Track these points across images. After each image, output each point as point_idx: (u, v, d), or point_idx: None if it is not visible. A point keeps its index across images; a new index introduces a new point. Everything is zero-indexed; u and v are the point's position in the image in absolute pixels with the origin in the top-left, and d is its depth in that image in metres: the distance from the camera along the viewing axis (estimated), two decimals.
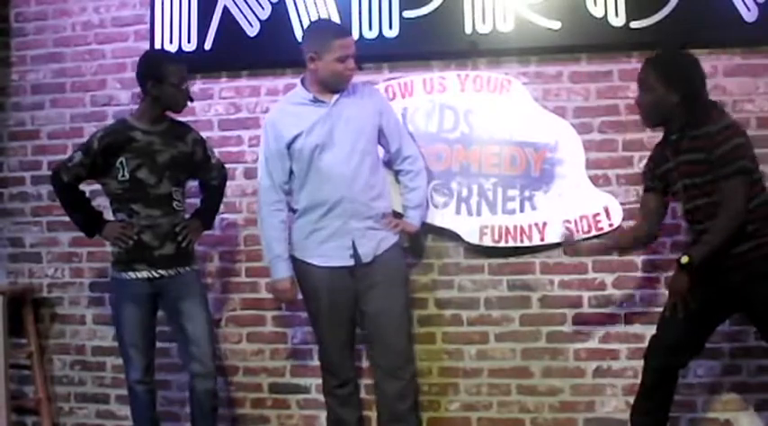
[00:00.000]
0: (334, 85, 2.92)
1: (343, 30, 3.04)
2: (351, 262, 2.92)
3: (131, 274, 2.98)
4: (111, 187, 3.01)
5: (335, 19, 3.42)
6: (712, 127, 2.56)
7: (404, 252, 3.15)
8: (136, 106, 3.63)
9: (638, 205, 3.21)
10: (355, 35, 3.40)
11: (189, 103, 3.07)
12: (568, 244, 3.03)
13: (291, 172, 2.97)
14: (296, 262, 2.99)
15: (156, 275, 2.99)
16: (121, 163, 2.95)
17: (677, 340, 2.68)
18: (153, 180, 2.98)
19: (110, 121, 3.69)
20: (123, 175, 2.96)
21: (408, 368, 3.00)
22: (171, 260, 3.01)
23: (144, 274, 2.98)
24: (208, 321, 3.07)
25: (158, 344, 3.56)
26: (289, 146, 2.92)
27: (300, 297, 3.07)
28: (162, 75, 2.94)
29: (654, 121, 2.77)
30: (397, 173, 3.20)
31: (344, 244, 2.91)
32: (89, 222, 3.08)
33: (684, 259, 2.55)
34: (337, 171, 2.88)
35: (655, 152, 2.88)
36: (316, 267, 2.94)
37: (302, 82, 3.00)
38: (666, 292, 3.14)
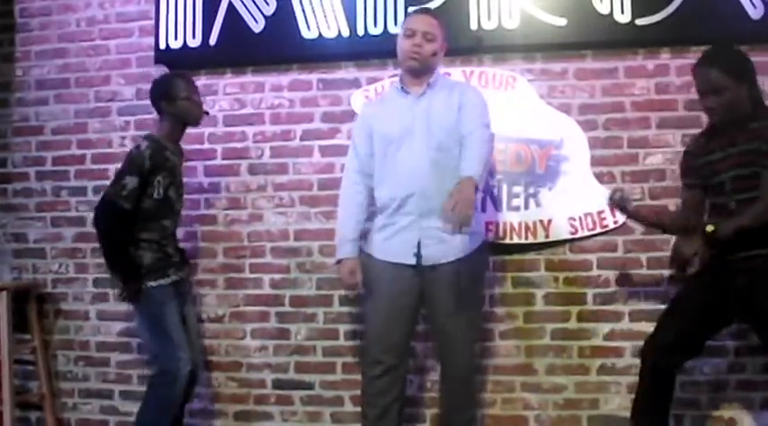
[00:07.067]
0: (403, 65, 2.85)
1: (418, 7, 3.08)
2: (412, 261, 2.77)
3: (167, 279, 3.04)
4: (144, 205, 2.99)
5: (340, 15, 3.45)
6: None
7: (481, 267, 2.98)
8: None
9: (643, 202, 3.22)
10: (360, 31, 3.43)
11: (205, 115, 3.19)
12: (618, 203, 2.87)
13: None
14: (360, 254, 2.88)
15: (178, 278, 3.12)
16: (158, 181, 3.00)
17: (672, 340, 2.66)
18: (176, 197, 3.13)
19: (112, 117, 3.74)
20: (158, 194, 3.01)
21: (473, 377, 2.95)
22: (181, 265, 3.18)
23: (173, 277, 3.08)
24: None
25: None
26: (371, 133, 2.88)
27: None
28: (172, 92, 3.04)
29: (730, 118, 2.63)
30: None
31: (409, 242, 2.77)
32: (130, 265, 2.99)
33: (710, 227, 2.51)
34: (410, 165, 2.75)
35: (695, 144, 2.80)
36: (376, 260, 2.83)
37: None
38: (670, 291, 3.16)
